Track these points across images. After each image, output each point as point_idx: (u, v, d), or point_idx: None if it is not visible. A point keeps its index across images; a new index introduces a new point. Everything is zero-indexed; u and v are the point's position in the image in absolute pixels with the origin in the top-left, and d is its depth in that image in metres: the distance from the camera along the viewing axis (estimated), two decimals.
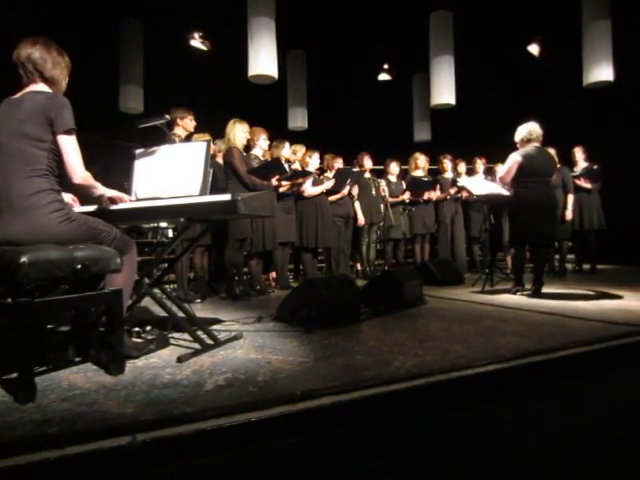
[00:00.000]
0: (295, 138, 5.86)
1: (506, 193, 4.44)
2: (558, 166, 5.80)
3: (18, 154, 1.89)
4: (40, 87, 2.02)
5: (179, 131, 4.22)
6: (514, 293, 4.14)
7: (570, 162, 6.13)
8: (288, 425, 1.50)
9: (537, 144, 4.12)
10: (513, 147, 4.27)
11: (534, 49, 7.76)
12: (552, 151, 5.75)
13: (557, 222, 5.61)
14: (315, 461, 1.50)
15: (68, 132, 1.94)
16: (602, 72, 6.02)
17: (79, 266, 1.81)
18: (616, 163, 6.33)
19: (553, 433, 1.77)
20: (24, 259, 1.64)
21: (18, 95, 2.01)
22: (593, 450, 1.72)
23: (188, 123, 4.26)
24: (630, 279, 5.23)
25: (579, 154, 6.11)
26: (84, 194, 2.21)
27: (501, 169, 4.18)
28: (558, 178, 5.72)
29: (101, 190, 2.15)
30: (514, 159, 4.02)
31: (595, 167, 5.95)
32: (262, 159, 4.74)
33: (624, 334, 2.46)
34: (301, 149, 5.39)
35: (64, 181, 2.01)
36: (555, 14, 6.74)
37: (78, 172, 1.97)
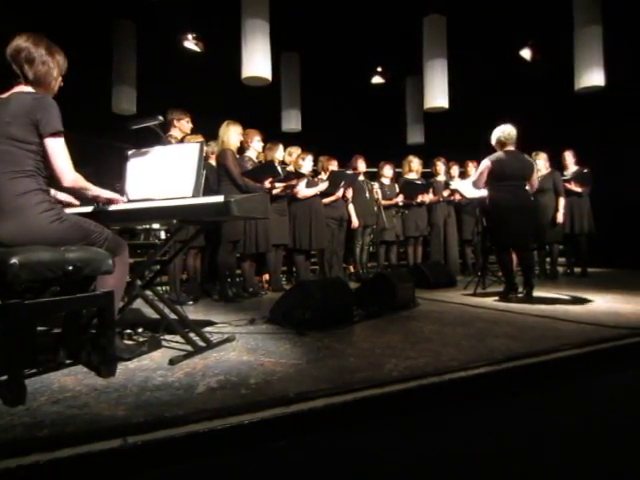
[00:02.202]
0: (289, 140, 5.86)
1: None
2: (549, 170, 5.87)
3: (4, 156, 1.86)
4: (27, 87, 1.98)
5: (175, 133, 4.21)
6: (507, 297, 4.12)
7: (561, 166, 6.18)
8: (281, 427, 1.50)
9: (511, 147, 4.11)
10: None
11: (526, 53, 7.82)
12: (543, 155, 5.83)
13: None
14: (308, 463, 1.50)
15: (55, 135, 1.90)
16: (593, 77, 6.08)
17: (70, 267, 1.80)
18: (606, 167, 6.39)
19: (546, 434, 1.78)
20: (14, 260, 1.63)
21: (5, 95, 1.96)
22: (586, 451, 1.73)
23: (185, 125, 4.26)
24: (620, 282, 5.27)
25: (569, 158, 6.17)
26: (77, 195, 2.20)
27: (473, 174, 4.23)
28: (549, 182, 5.77)
29: (95, 191, 2.13)
30: (484, 164, 4.07)
31: (585, 171, 6.00)
32: (256, 161, 4.74)
33: (615, 337, 2.48)
34: (296, 151, 5.40)
35: (53, 182, 1.99)
36: (547, 19, 6.81)
37: (67, 176, 1.93)
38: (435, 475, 1.57)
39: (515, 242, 4.12)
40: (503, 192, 4.02)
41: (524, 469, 1.62)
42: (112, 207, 2.25)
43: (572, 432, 1.83)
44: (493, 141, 4.20)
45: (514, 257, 4.25)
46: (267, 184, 4.52)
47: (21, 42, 1.96)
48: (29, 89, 1.98)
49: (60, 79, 2.12)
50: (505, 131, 4.12)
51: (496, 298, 4.15)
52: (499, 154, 4.07)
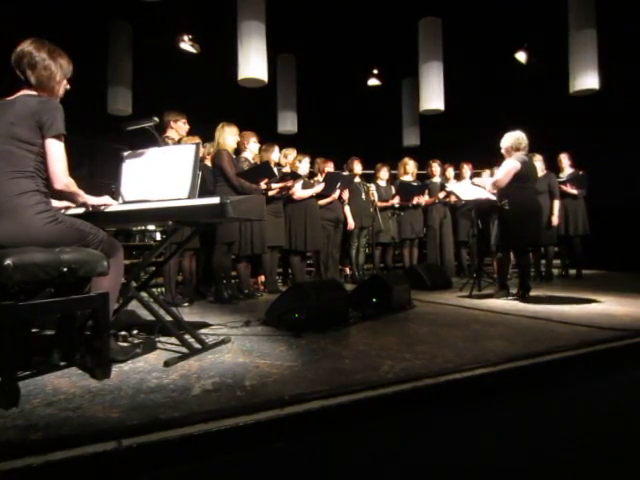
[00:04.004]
0: (285, 142, 5.87)
1: (493, 198, 4.47)
2: (545, 172, 5.91)
3: (5, 155, 1.87)
4: (32, 91, 2.00)
5: (172, 134, 4.21)
6: (499, 297, 4.16)
7: (556, 168, 6.21)
8: (276, 429, 1.50)
9: (525, 152, 4.18)
10: (500, 153, 4.31)
11: (521, 56, 7.87)
12: (539, 157, 5.87)
13: (543, 227, 5.70)
14: (303, 465, 1.49)
15: (57, 137, 1.92)
16: (588, 80, 6.12)
17: (65, 269, 1.79)
18: (601, 169, 6.42)
19: (539, 435, 1.78)
20: (8, 261, 1.62)
21: (11, 97, 1.99)
22: (578, 452, 1.74)
23: (181, 126, 4.25)
24: (615, 284, 5.30)
25: (565, 160, 6.20)
26: (66, 200, 2.20)
27: (498, 173, 4.20)
28: (544, 184, 5.80)
29: (84, 198, 2.12)
30: (513, 165, 4.06)
31: (580, 173, 6.04)
32: (252, 162, 4.74)
33: (609, 339, 2.49)
34: (292, 153, 5.40)
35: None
36: (542, 23, 6.85)
37: (61, 178, 1.95)
38: (432, 476, 1.57)
39: (531, 242, 4.18)
40: (525, 194, 4.08)
41: (519, 469, 1.62)
42: (108, 208, 2.25)
43: (568, 432, 1.84)
44: (505, 145, 4.22)
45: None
46: (263, 185, 4.52)
47: (24, 47, 1.99)
48: (34, 92, 2.00)
49: (65, 82, 2.12)
50: (520, 137, 4.17)
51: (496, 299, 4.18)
52: (523, 156, 4.11)
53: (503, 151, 4.26)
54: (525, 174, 4.06)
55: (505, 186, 4.13)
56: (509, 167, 4.08)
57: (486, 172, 6.39)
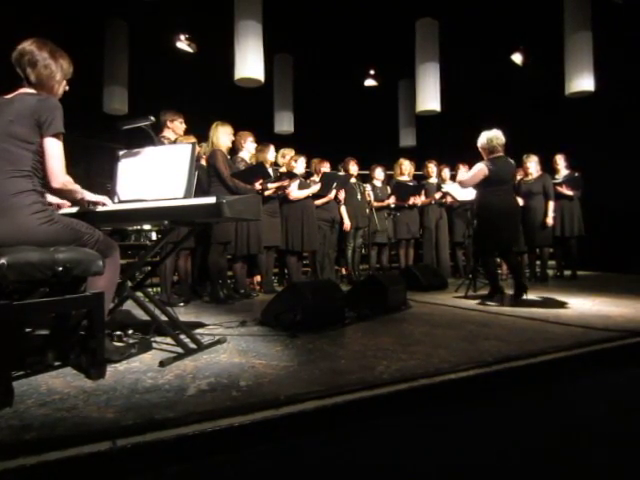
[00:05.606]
0: (281, 142, 5.86)
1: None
2: (540, 173, 5.93)
3: (3, 154, 1.87)
4: (31, 89, 2.00)
5: (169, 134, 4.19)
6: (491, 300, 4.14)
7: (552, 170, 6.24)
8: (271, 430, 1.50)
9: (500, 153, 4.12)
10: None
11: (517, 58, 7.89)
12: (534, 158, 5.89)
13: (538, 228, 5.71)
14: (298, 466, 1.49)
15: (56, 136, 1.92)
16: (583, 82, 6.15)
17: (60, 268, 1.78)
18: (597, 171, 6.45)
19: (535, 436, 1.79)
20: (3, 261, 1.61)
21: (10, 95, 1.99)
22: (575, 452, 1.75)
23: (178, 126, 4.24)
24: (610, 285, 5.32)
25: (561, 162, 6.21)
26: (64, 197, 2.19)
27: (465, 174, 4.20)
28: (539, 185, 5.82)
29: (82, 194, 2.12)
30: (480, 169, 4.05)
31: (576, 175, 6.06)
32: (249, 162, 4.73)
33: (603, 339, 2.50)
34: (290, 153, 5.39)
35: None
36: (538, 25, 6.87)
37: (58, 177, 1.95)
38: (429, 476, 1.57)
39: (505, 246, 4.15)
40: (496, 198, 4.04)
41: (517, 468, 1.62)
42: (103, 208, 2.24)
43: (563, 433, 1.84)
44: (484, 145, 4.17)
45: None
46: (257, 186, 4.50)
47: (25, 46, 1.99)
48: (33, 91, 2.00)
49: (64, 83, 2.13)
50: (499, 137, 4.13)
51: (478, 301, 4.13)
52: (494, 160, 4.07)
53: (481, 151, 4.23)
54: (495, 178, 4.02)
55: (477, 190, 4.15)
56: (476, 170, 4.08)
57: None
